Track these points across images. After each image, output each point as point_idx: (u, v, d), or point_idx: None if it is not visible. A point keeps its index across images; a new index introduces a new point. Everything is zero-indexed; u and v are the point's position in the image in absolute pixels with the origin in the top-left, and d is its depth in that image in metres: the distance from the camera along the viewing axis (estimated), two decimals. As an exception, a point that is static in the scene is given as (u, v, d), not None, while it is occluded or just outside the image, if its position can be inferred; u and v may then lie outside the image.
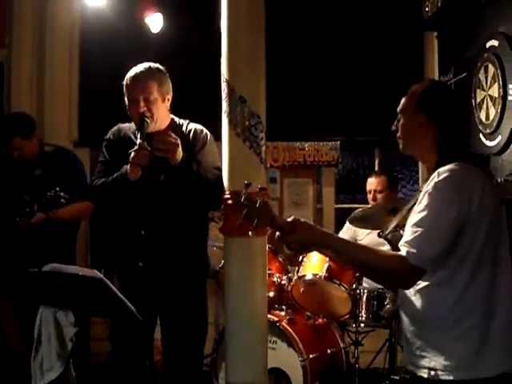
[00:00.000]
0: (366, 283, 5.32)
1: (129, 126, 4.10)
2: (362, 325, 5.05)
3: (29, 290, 3.66)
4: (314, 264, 4.96)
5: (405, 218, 2.78)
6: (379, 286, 5.10)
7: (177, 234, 3.93)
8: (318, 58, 6.59)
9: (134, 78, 3.95)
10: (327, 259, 4.85)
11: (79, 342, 3.81)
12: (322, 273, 4.84)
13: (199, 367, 4.15)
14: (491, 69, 4.87)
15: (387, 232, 2.97)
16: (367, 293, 4.93)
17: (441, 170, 2.62)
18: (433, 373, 2.60)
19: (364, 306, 4.94)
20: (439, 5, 5.60)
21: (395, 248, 2.70)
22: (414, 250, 2.51)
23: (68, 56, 6.45)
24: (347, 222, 4.97)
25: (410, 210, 2.77)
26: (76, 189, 4.90)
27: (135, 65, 4.04)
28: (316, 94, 6.60)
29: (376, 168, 6.89)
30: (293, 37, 6.52)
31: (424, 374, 2.64)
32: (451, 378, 2.58)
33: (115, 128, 4.16)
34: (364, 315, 4.96)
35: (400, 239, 2.65)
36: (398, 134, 2.85)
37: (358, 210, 4.90)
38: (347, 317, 5.02)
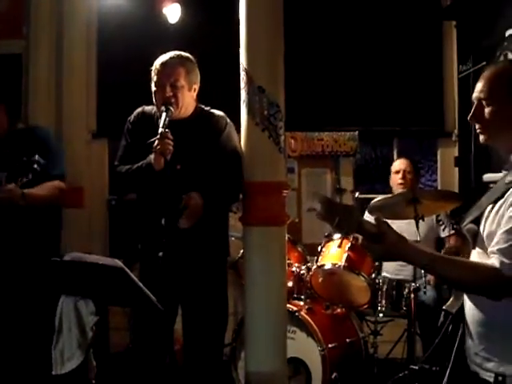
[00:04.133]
0: (386, 273, 5.33)
1: (153, 109, 4.08)
2: (381, 314, 5.05)
3: (50, 279, 3.67)
4: (333, 254, 4.96)
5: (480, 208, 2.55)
6: (398, 277, 5.11)
7: (197, 223, 3.83)
8: (336, 48, 6.55)
9: (164, 63, 3.96)
10: (346, 249, 4.86)
11: (99, 331, 3.82)
12: (342, 262, 4.84)
13: (220, 356, 4.15)
14: (511, 57, 4.83)
15: (464, 224, 2.71)
16: (387, 282, 4.93)
17: None
18: (500, 378, 2.44)
19: (383, 296, 4.94)
20: (458, -6, 5.60)
21: (467, 241, 2.60)
22: (509, 261, 2.32)
23: (86, 46, 6.42)
24: (366, 212, 4.95)
25: (493, 203, 2.48)
26: (51, 166, 4.54)
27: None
28: (334, 84, 6.57)
29: (395, 158, 6.86)
30: (311, 26, 6.49)
31: (490, 378, 2.48)
32: None
33: (139, 110, 4.14)
34: (383, 305, 4.96)
35: (474, 233, 2.55)
36: (480, 124, 2.53)
37: (376, 199, 4.87)
38: (366, 306, 5.03)
